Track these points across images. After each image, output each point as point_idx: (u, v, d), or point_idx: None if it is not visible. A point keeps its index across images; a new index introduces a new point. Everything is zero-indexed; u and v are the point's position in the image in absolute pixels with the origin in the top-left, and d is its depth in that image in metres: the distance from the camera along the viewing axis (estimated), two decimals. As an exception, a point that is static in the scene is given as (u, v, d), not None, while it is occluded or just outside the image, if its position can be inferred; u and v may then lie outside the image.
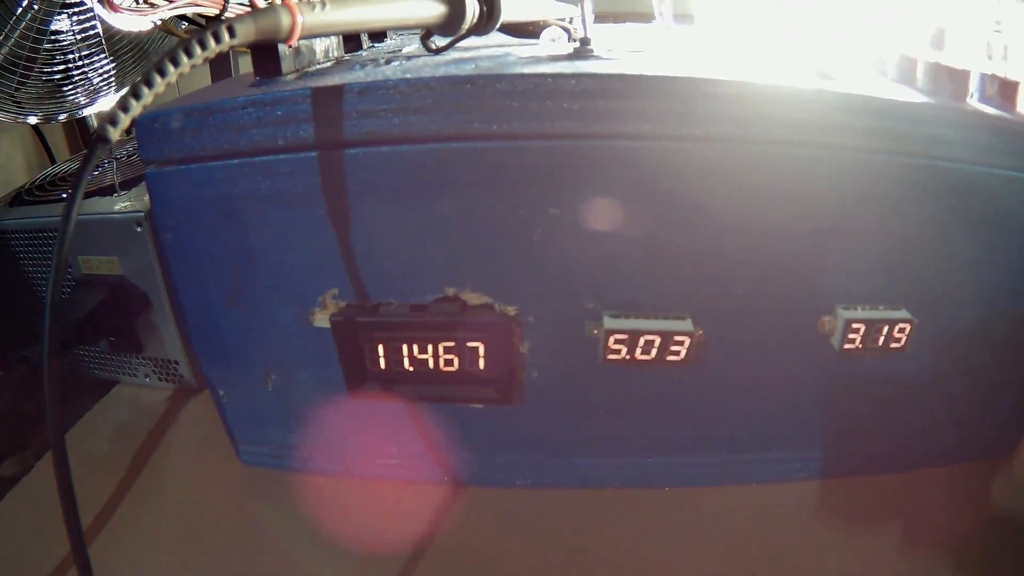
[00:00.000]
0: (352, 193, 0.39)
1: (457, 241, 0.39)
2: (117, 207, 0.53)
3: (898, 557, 0.41)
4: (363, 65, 0.44)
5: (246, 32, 0.32)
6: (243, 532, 0.43)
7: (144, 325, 0.54)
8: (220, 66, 0.73)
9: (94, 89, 0.79)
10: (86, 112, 0.78)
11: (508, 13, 0.44)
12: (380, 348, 0.40)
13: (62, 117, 0.76)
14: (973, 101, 0.43)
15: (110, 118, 0.29)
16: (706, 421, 0.44)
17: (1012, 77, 0.45)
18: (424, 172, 0.37)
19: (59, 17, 0.73)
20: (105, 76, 0.78)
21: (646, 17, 0.71)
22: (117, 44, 0.76)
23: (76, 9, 0.74)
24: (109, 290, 0.52)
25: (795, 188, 0.38)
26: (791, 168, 0.38)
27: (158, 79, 0.29)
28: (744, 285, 0.40)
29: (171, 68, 0.30)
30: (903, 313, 0.41)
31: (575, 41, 0.41)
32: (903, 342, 0.41)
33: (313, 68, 0.45)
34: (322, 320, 0.41)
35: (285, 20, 0.33)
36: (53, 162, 0.86)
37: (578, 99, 0.35)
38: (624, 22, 0.72)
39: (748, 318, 0.41)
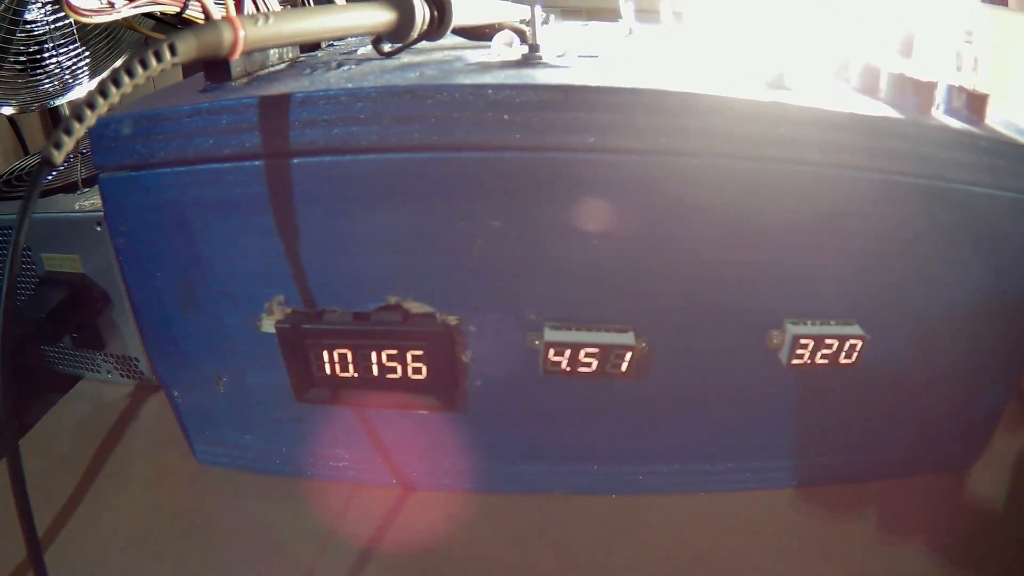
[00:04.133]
0: (296, 202, 0.39)
1: (399, 251, 0.39)
2: (78, 205, 0.53)
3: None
4: (313, 69, 0.44)
5: (187, 49, 0.32)
6: (196, 532, 0.44)
7: (105, 322, 0.54)
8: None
9: (67, 79, 0.78)
10: (59, 102, 0.77)
11: (460, 18, 0.44)
12: (324, 354, 0.41)
13: (36, 107, 0.76)
14: (939, 113, 0.43)
15: (55, 141, 0.29)
16: (653, 432, 0.44)
17: (981, 90, 0.45)
18: (365, 182, 0.37)
19: (32, 6, 0.73)
20: (78, 65, 0.78)
21: (615, 14, 0.70)
22: (90, 33, 0.76)
23: (49, -2, 0.73)
24: (71, 288, 0.53)
25: (744, 202, 0.38)
26: (740, 182, 0.37)
27: (100, 100, 0.29)
28: (691, 298, 0.40)
29: (113, 89, 0.30)
30: (855, 329, 0.41)
31: (525, 47, 0.40)
32: (855, 358, 0.41)
33: (264, 72, 0.44)
34: (269, 326, 0.42)
35: (227, 36, 0.33)
36: (26, 151, 0.86)
37: (518, 111, 0.35)
38: (591, 20, 0.71)
39: (696, 331, 0.41)
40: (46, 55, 0.75)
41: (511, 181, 0.36)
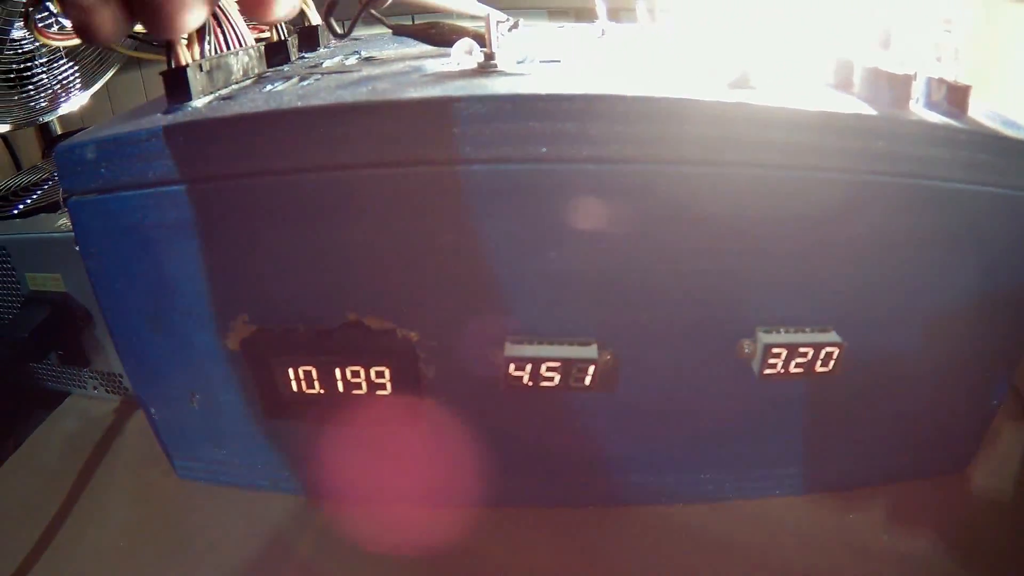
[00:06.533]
0: (253, 221, 0.38)
1: (356, 267, 0.38)
2: (58, 224, 0.54)
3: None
4: (274, 83, 0.44)
5: None
6: (176, 548, 0.44)
7: (88, 340, 0.55)
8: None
9: (57, 94, 0.79)
10: (49, 117, 0.78)
11: None
12: (290, 372, 0.41)
13: (28, 124, 0.77)
14: (917, 107, 0.41)
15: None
16: (627, 444, 0.43)
17: (962, 81, 0.43)
18: (317, 200, 0.37)
19: (19, 24, 0.74)
20: (68, 80, 0.79)
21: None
22: (76, 49, 0.77)
23: (37, 16, 0.74)
24: (54, 307, 0.53)
25: (709, 208, 0.37)
26: (704, 187, 0.36)
27: None
28: (657, 309, 0.39)
29: None
30: (832, 336, 0.40)
31: (481, 55, 0.40)
32: (832, 366, 0.40)
33: (227, 89, 0.44)
34: (235, 344, 0.42)
35: None
36: (18, 167, 0.87)
37: (466, 124, 0.34)
38: (579, 20, 0.70)
39: (665, 343, 0.40)
40: (36, 71, 0.76)
41: (460, 195, 0.36)
